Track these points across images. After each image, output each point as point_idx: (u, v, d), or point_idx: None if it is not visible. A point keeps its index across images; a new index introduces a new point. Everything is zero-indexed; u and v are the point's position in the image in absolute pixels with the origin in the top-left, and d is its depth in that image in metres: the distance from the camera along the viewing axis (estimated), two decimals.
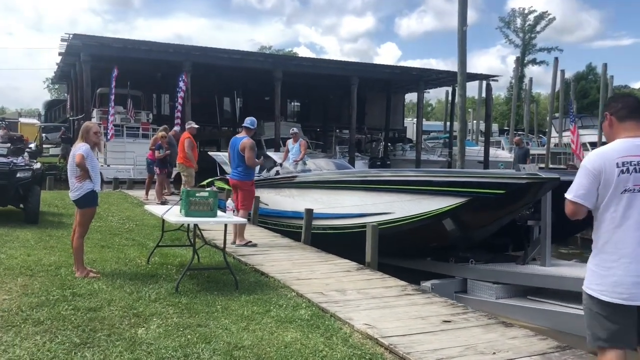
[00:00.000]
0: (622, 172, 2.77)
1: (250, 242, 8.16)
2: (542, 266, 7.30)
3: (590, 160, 2.88)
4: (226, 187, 12.38)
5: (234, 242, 8.06)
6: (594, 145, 34.79)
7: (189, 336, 4.33)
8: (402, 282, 6.35)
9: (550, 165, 30.61)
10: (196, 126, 12.46)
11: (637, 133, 2.87)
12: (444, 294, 6.39)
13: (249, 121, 8.45)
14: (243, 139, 8.13)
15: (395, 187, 8.04)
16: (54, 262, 6.57)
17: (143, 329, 4.47)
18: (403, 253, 8.03)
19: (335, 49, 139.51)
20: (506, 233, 8.03)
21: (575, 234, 10.56)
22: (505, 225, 7.70)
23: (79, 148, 6.00)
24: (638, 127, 2.88)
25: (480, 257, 7.88)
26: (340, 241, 8.33)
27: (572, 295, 6.71)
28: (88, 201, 6.03)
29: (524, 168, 7.38)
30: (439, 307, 5.30)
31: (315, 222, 8.79)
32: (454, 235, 7.60)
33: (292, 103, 43.54)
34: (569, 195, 2.89)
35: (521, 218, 7.51)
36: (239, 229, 8.11)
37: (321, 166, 11.38)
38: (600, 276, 2.86)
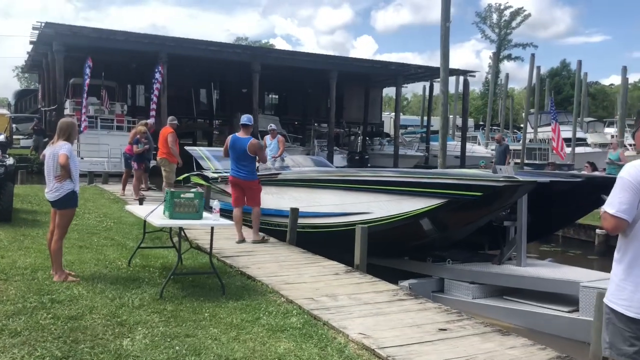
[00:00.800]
0: None
1: (265, 237, 8.47)
2: (517, 266, 7.41)
3: (631, 173, 2.75)
4: (203, 183, 12.16)
5: (241, 241, 8.21)
6: (568, 141, 35.27)
7: (177, 347, 4.13)
8: (393, 286, 6.24)
9: (526, 161, 30.88)
10: (175, 122, 12.24)
11: None
12: (421, 294, 6.48)
13: (246, 118, 8.51)
14: (250, 140, 8.22)
15: (374, 187, 8.12)
16: (30, 265, 6.28)
17: (128, 339, 4.25)
18: (381, 252, 8.00)
19: (311, 41, 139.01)
20: (484, 232, 8.15)
21: (551, 233, 10.73)
22: (483, 225, 7.83)
23: (62, 147, 5.70)
24: None
25: (457, 257, 7.96)
26: (320, 240, 8.33)
27: (547, 295, 6.89)
28: (68, 202, 5.76)
29: (501, 169, 7.44)
30: (434, 314, 5.18)
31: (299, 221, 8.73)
32: (432, 235, 7.68)
33: (270, 96, 43.24)
34: (611, 210, 2.76)
35: (497, 219, 7.61)
36: (254, 227, 8.34)
37: (299, 163, 11.24)
38: (629, 291, 2.74)
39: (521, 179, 6.86)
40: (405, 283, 7.41)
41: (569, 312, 6.57)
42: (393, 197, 7.71)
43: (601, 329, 2.98)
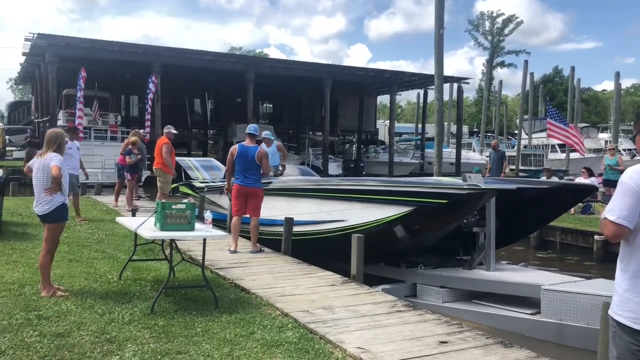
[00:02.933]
0: None
1: (262, 248, 8.46)
2: (486, 271, 7.64)
3: (632, 177, 2.62)
4: (191, 192, 12.03)
5: (234, 251, 8.17)
6: (562, 147, 35.27)
7: None
8: (391, 297, 6.08)
9: (521, 167, 30.83)
10: (175, 132, 11.93)
11: None
12: None
13: (253, 128, 8.65)
14: (258, 148, 8.33)
15: (348, 195, 8.43)
16: (18, 280, 6.10)
17: (117, 357, 4.09)
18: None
19: (305, 50, 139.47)
20: (457, 238, 8.43)
21: (523, 237, 10.95)
22: (455, 231, 8.10)
23: (52, 159, 5.54)
24: None
25: (430, 262, 8.20)
26: (298, 247, 8.48)
27: (514, 298, 7.20)
28: (58, 216, 5.59)
29: (470, 177, 7.62)
30: (433, 326, 5.03)
31: (274, 229, 9.04)
32: (405, 241, 7.97)
33: (265, 105, 43.15)
34: (611, 216, 2.62)
35: (467, 225, 7.85)
36: (253, 237, 8.37)
37: (286, 172, 11.31)
38: (634, 303, 2.61)
39: (483, 187, 7.12)
40: (379, 288, 7.47)
41: (531, 314, 6.86)
42: (365, 205, 8.04)
43: (607, 341, 2.84)
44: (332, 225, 8.37)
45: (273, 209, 9.20)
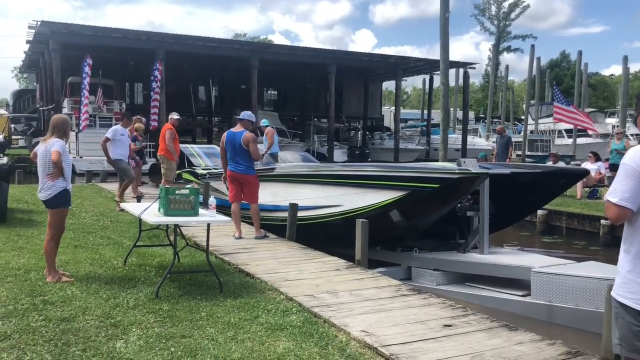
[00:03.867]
0: None
1: (266, 234, 8.45)
2: (480, 254, 7.75)
3: (634, 159, 2.57)
4: (193, 179, 12.06)
5: (239, 237, 8.16)
6: (569, 132, 35.04)
7: (172, 349, 3.98)
8: (395, 282, 6.08)
9: (528, 152, 30.67)
10: (177, 117, 11.90)
11: None
12: None
13: (246, 114, 8.50)
14: (244, 133, 8.18)
15: (343, 181, 8.58)
16: (23, 266, 6.13)
17: (122, 341, 4.10)
18: (352, 243, 8.13)
19: (310, 36, 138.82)
20: (453, 222, 8.58)
21: (518, 221, 11.00)
22: (451, 215, 8.24)
23: (54, 144, 5.54)
24: None
25: (426, 246, 8.36)
26: (296, 232, 8.63)
27: (506, 281, 7.36)
28: (61, 201, 5.61)
29: (464, 162, 7.75)
30: (438, 309, 5.02)
31: (277, 214, 9.17)
32: (401, 225, 8.12)
33: (269, 91, 42.98)
34: (613, 198, 2.59)
35: (461, 209, 7.96)
36: (255, 223, 8.34)
37: (286, 159, 11.36)
38: (637, 284, 2.59)
39: (474, 171, 7.30)
40: (375, 271, 7.45)
41: (522, 295, 7.01)
42: (360, 190, 8.19)
43: (611, 322, 2.82)
44: (329, 210, 8.56)
45: (272, 194, 9.32)
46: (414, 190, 7.49)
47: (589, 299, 6.19)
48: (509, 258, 7.56)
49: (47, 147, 5.59)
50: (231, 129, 8.46)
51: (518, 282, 7.25)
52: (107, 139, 10.77)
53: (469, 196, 7.84)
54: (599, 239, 11.86)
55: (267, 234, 8.44)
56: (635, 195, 2.56)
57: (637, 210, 2.59)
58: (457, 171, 7.35)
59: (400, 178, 7.72)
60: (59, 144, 5.56)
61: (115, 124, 26.34)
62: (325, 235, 8.49)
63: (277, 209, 9.25)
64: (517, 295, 7.05)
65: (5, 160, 9.65)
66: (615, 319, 2.69)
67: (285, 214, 8.74)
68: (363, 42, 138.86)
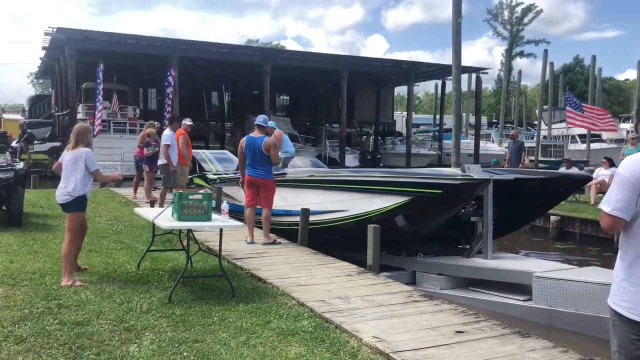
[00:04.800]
0: None
1: (276, 240, 8.40)
2: (484, 259, 7.77)
3: (628, 169, 2.59)
4: (205, 184, 12.12)
5: (251, 242, 8.19)
6: (583, 137, 34.78)
7: (184, 353, 4.01)
8: (408, 288, 6.08)
9: (541, 158, 30.46)
10: (189, 123, 12.00)
11: None
12: None
13: (262, 119, 8.55)
14: (264, 138, 8.27)
15: (349, 186, 8.72)
16: (39, 270, 6.20)
17: (135, 345, 4.14)
18: (358, 247, 8.25)
19: (322, 42, 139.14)
20: (458, 227, 8.60)
21: (523, 226, 10.99)
22: (456, 220, 8.25)
23: (90, 158, 5.78)
24: None
25: (431, 251, 8.42)
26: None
27: (510, 286, 7.37)
28: (78, 206, 5.75)
29: (468, 168, 7.78)
30: (450, 316, 5.02)
31: (281, 219, 9.30)
32: (406, 230, 8.19)
33: (281, 97, 43.14)
34: (606, 208, 2.62)
35: (465, 214, 7.98)
36: (265, 228, 8.33)
37: (296, 164, 11.44)
38: (630, 293, 2.59)
39: (476, 177, 7.39)
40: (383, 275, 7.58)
41: (524, 300, 7.01)
42: (365, 196, 8.34)
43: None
44: (334, 215, 8.69)
45: (280, 199, 9.39)
46: (417, 196, 7.62)
47: (590, 304, 6.21)
48: (512, 263, 7.59)
49: (77, 155, 5.75)
50: (250, 134, 8.48)
51: (520, 286, 7.26)
52: (168, 146, 10.83)
53: (473, 202, 7.89)
54: (613, 245, 11.74)
55: (276, 240, 8.45)
56: (628, 205, 2.57)
57: (631, 219, 2.59)
58: (459, 177, 7.45)
59: (403, 184, 7.88)
60: (93, 159, 5.82)
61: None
62: (331, 240, 8.56)
63: (286, 213, 9.34)
64: (519, 299, 7.08)
65: (21, 165, 9.77)
66: (613, 326, 2.69)
67: (293, 219, 8.80)
68: (375, 47, 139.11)
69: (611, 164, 15.58)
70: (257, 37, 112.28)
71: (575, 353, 4.16)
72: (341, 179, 9.14)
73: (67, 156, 5.85)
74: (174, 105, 25.62)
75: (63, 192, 5.75)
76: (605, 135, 34.98)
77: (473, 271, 7.72)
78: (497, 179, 7.55)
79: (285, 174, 10.10)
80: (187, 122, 11.92)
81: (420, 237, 8.66)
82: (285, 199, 9.42)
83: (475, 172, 7.64)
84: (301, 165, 11.61)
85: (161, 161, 11.01)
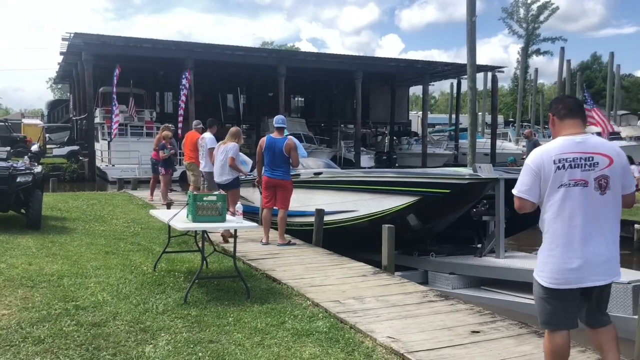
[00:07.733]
0: (558, 168, 3.02)
1: (291, 240, 8.43)
2: (496, 258, 7.74)
3: (531, 158, 3.13)
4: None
5: (266, 243, 8.23)
6: (598, 135, 34.31)
7: (200, 354, 4.03)
8: (422, 287, 6.05)
9: None
10: (200, 125, 12.08)
11: (575, 131, 3.11)
12: None
13: (280, 120, 8.64)
14: (286, 140, 8.31)
15: (358, 187, 8.86)
16: (57, 272, 6.27)
17: (151, 346, 4.17)
18: (369, 247, 8.36)
19: (337, 43, 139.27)
20: (471, 227, 8.62)
21: (532, 225, 10.76)
22: (468, 220, 8.27)
23: (231, 149, 8.55)
24: (576, 125, 3.14)
25: (443, 250, 8.44)
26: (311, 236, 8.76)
27: (521, 285, 7.23)
28: (233, 184, 8.48)
29: (480, 167, 7.75)
30: (465, 316, 4.98)
31: (303, 220, 9.31)
32: (417, 229, 8.31)
33: (296, 98, 43.21)
34: (514, 191, 3.18)
35: (476, 213, 7.98)
36: (280, 229, 8.38)
37: (309, 165, 11.45)
38: (543, 263, 3.15)
39: (484, 176, 7.41)
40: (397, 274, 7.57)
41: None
42: (375, 196, 8.45)
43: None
44: (345, 215, 8.78)
45: (293, 200, 9.40)
46: (425, 196, 7.69)
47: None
48: (523, 262, 7.55)
49: (227, 149, 8.50)
50: (270, 135, 8.52)
51: (532, 285, 7.20)
52: (213, 149, 10.82)
53: (485, 201, 7.88)
54: (632, 243, 11.59)
55: (291, 241, 8.46)
56: (531, 188, 3.11)
57: (542, 202, 3.11)
58: (467, 177, 7.50)
59: (412, 184, 7.95)
60: (235, 150, 8.52)
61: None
62: (341, 240, 8.58)
63: (299, 214, 9.39)
64: (530, 299, 6.99)
65: (40, 168, 9.90)
66: (534, 296, 3.29)
67: (305, 219, 8.86)
68: (390, 47, 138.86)
69: (631, 162, 15.37)
70: (271, 39, 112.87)
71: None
72: (351, 179, 9.27)
73: (221, 147, 8.70)
74: (189, 107, 25.79)
75: (222, 174, 8.65)
76: (624, 133, 34.52)
77: (485, 270, 7.73)
78: (509, 178, 7.48)
79: (298, 174, 10.12)
80: (200, 125, 12.03)
81: (429, 237, 8.71)
82: (295, 200, 9.44)
83: (486, 171, 7.63)
84: (313, 166, 11.64)
85: (207, 168, 10.26)
